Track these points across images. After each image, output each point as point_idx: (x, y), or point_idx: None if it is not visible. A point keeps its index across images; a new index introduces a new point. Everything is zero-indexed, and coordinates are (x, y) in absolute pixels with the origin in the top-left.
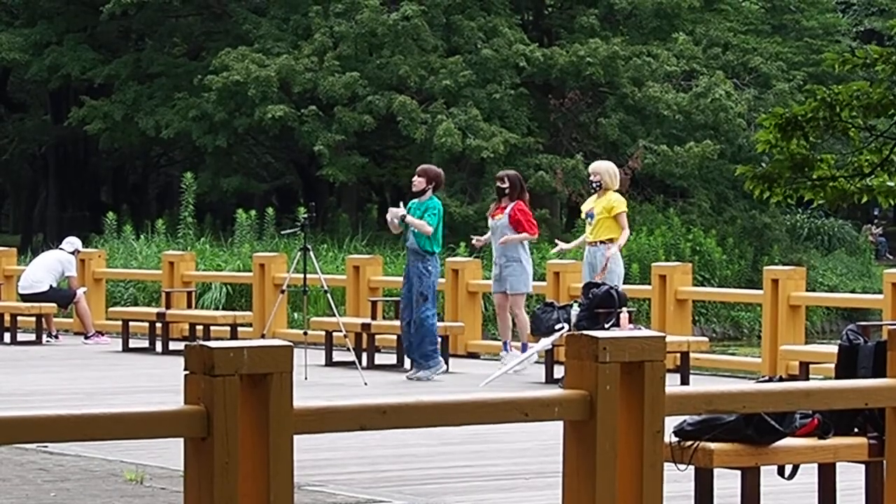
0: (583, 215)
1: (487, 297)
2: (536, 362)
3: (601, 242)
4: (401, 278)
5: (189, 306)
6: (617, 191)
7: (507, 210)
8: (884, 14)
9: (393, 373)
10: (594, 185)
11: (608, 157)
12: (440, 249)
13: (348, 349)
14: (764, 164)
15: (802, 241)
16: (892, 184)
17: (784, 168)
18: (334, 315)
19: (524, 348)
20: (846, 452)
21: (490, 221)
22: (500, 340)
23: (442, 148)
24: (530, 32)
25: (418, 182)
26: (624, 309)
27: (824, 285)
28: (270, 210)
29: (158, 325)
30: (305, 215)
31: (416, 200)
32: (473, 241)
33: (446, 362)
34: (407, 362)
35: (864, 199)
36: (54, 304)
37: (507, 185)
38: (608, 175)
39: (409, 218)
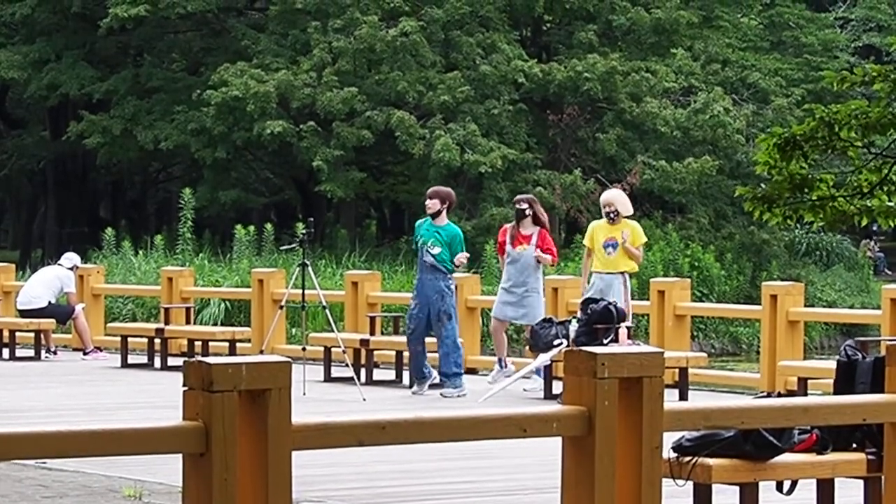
0: (597, 244)
1: (486, 314)
2: (526, 378)
3: (617, 273)
4: (398, 294)
5: (188, 322)
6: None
7: (533, 241)
8: (882, 30)
9: (392, 388)
10: (610, 214)
11: (606, 173)
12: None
13: (347, 365)
14: (763, 185)
15: (801, 256)
16: (891, 204)
17: (784, 189)
18: (333, 331)
19: (500, 363)
20: (845, 468)
21: (510, 249)
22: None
23: (440, 163)
24: (529, 48)
25: (431, 204)
26: (622, 324)
27: (823, 301)
28: (269, 226)
29: (157, 340)
30: (304, 231)
31: (428, 219)
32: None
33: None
34: (406, 378)
35: (864, 221)
36: (53, 320)
37: (526, 206)
38: (620, 204)
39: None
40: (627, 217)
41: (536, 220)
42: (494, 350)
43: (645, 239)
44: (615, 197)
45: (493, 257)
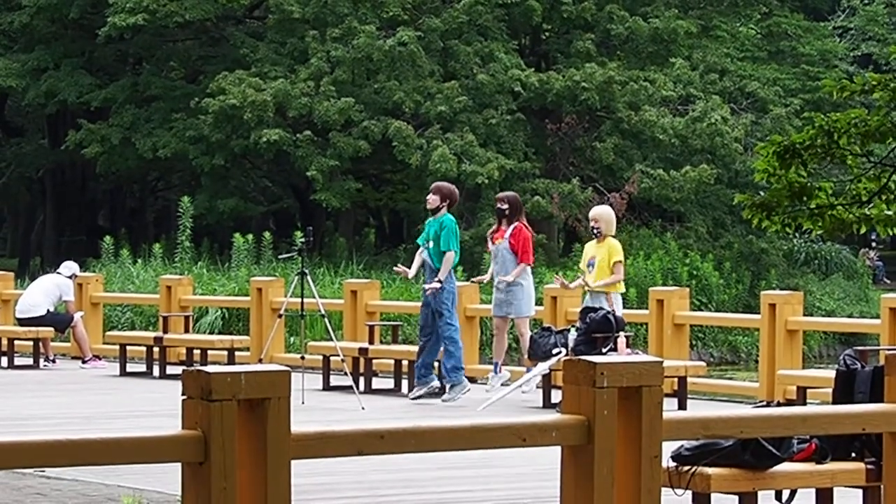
0: (584, 262)
1: (485, 322)
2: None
3: (600, 292)
4: (397, 302)
5: (186, 331)
6: (614, 236)
7: (507, 234)
8: (880, 41)
9: (391, 397)
10: (594, 230)
11: (604, 182)
12: (457, 261)
13: (346, 374)
14: (762, 193)
15: (800, 265)
16: (890, 212)
17: (782, 196)
18: (332, 339)
19: (496, 367)
20: (843, 477)
21: (490, 246)
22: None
23: (437, 173)
24: (527, 57)
25: (432, 199)
26: (621, 333)
27: (822, 310)
28: (268, 234)
29: (156, 349)
30: (303, 240)
31: (431, 218)
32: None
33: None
34: (405, 387)
35: (863, 229)
36: (51, 329)
37: (506, 206)
38: (605, 222)
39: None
40: (611, 235)
41: (515, 217)
42: (493, 354)
43: (620, 257)
44: (601, 214)
45: None
